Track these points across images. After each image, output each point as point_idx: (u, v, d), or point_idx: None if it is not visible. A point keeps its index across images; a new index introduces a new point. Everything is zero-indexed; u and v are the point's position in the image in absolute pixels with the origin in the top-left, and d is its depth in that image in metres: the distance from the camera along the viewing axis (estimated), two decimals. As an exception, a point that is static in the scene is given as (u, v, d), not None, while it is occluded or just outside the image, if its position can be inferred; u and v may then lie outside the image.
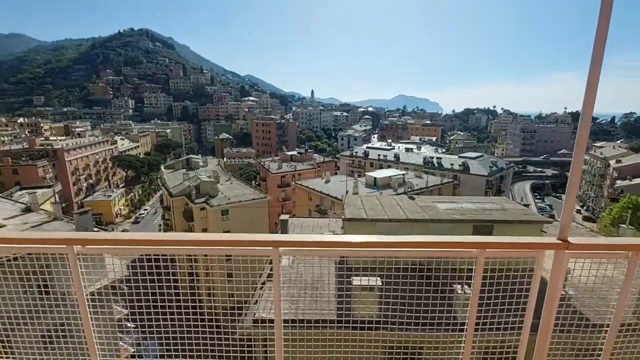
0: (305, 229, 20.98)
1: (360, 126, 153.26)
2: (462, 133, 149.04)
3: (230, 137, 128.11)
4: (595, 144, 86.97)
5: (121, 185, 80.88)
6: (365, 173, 47.35)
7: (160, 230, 57.03)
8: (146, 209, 70.12)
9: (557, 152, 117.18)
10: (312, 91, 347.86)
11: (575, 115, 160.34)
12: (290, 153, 70.05)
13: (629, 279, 1.96)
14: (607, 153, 72.19)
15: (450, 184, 47.09)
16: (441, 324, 8.24)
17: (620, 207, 39.09)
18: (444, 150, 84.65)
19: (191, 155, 64.10)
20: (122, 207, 67.47)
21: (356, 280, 11.53)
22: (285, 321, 2.24)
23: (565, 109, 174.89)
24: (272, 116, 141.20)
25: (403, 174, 43.98)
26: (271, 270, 1.97)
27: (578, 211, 70.58)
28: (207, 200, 36.02)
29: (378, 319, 10.79)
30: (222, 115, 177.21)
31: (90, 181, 73.03)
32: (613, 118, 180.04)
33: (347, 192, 33.22)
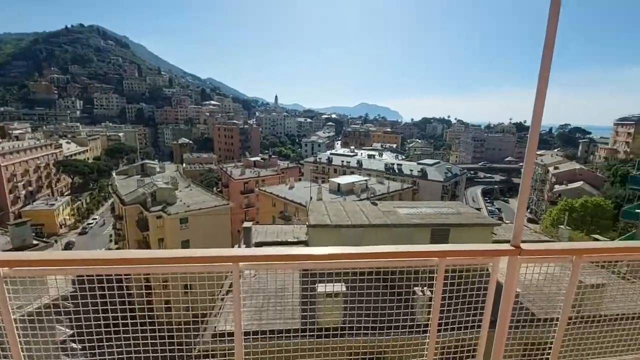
0: (269, 235, 20.61)
1: (324, 132, 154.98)
2: (420, 141, 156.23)
3: (190, 142, 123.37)
4: (536, 152, 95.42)
5: (66, 193, 74.44)
6: (329, 179, 47.80)
7: (111, 240, 53.18)
8: (95, 219, 65.05)
9: (504, 159, 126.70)
10: (276, 96, 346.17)
11: (519, 126, 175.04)
12: (253, 159, 68.92)
13: (573, 280, 2.11)
14: (546, 160, 79.34)
15: (410, 189, 48.94)
16: (404, 327, 8.44)
17: (558, 209, 43.01)
18: (404, 157, 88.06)
19: (147, 161, 60.74)
20: (67, 217, 61.98)
21: (320, 287, 11.49)
22: (247, 334, 2.13)
23: (511, 119, 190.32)
24: (235, 121, 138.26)
25: (366, 180, 44.98)
26: (231, 286, 1.87)
27: (523, 214, 76.64)
28: (164, 208, 34.22)
29: (343, 325, 10.81)
30: (182, 119, 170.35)
31: (30, 188, 66.37)
32: (551, 129, 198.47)
33: (311, 198, 33.28)
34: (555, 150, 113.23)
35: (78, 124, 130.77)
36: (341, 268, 1.79)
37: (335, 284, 11.58)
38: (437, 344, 2.19)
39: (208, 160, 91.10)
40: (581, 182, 62.63)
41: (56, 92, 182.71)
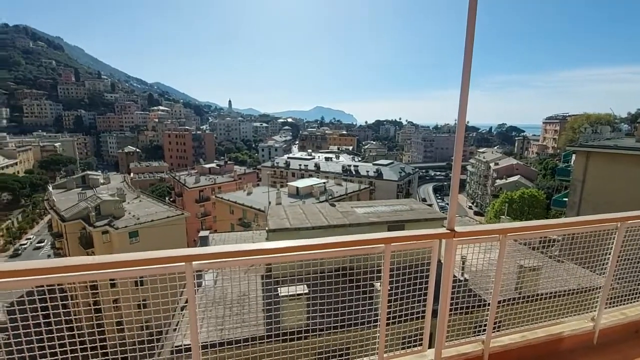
0: (228, 243, 20.08)
1: (281, 137, 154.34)
2: (374, 142, 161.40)
3: (138, 150, 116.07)
4: (479, 150, 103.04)
5: (-8, 212, 66.06)
6: (288, 183, 47.68)
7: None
8: (29, 239, 58.47)
9: (451, 157, 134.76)
10: (230, 101, 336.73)
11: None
12: (208, 166, 66.55)
13: (501, 256, 2.39)
14: (488, 157, 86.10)
15: (367, 189, 50.42)
16: (369, 322, 8.65)
17: (500, 201, 46.88)
18: (360, 159, 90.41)
19: (88, 172, 56.00)
20: (-5, 239, 55.07)
21: (283, 291, 11.44)
22: (206, 347, 2.12)
23: (455, 120, 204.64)
24: (187, 127, 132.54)
25: (324, 183, 45.53)
26: (185, 288, 1.85)
27: (470, 207, 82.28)
28: (111, 222, 31.82)
29: (307, 326, 10.85)
30: (127, 126, 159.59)
31: (-55, 209, 58.00)
32: (490, 128, 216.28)
33: (269, 203, 32.98)
34: (495, 147, 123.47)
35: (5, 134, 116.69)
36: (294, 261, 1.86)
37: (297, 285, 11.61)
38: (387, 328, 2.35)
39: (158, 168, 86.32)
40: (518, 176, 68.86)
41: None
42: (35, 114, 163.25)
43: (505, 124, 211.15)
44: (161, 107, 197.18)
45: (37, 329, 2.45)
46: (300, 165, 69.53)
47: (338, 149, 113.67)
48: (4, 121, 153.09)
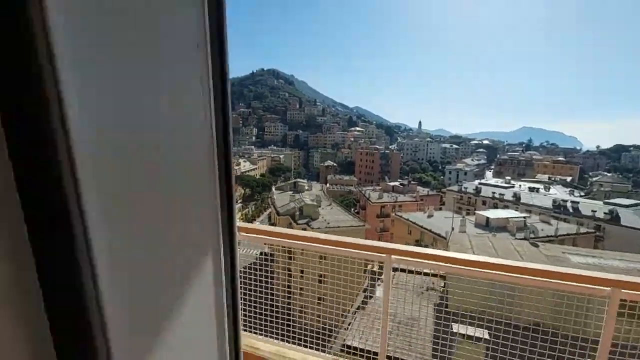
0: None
1: (473, 160, 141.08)
2: (609, 174, 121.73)
3: (335, 164, 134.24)
4: None
5: (239, 201, 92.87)
6: (476, 211, 43.00)
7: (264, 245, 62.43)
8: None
9: None
10: (420, 122, 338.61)
11: None
12: (392, 184, 69.10)
13: None
14: None
15: (591, 235, 38.65)
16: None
17: None
18: (582, 194, 70.76)
19: (298, 179, 69.54)
20: (239, 221, 76.98)
21: (457, 327, 10.43)
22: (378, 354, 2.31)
23: None
24: (377, 146, 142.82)
25: (524, 217, 38.28)
26: (381, 277, 2.14)
27: None
28: (309, 222, 38.22)
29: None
30: (329, 143, 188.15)
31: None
32: None
33: (452, 229, 30.77)
34: None
35: (252, 147, 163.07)
36: (489, 279, 1.80)
37: (477, 328, 10.32)
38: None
39: (349, 182, 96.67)
40: None
41: (241, 122, 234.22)
42: (272, 133, 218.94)
43: None
44: (357, 128, 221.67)
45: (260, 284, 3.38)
46: (493, 193, 61.33)
47: (549, 178, 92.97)
48: (254, 138, 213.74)
